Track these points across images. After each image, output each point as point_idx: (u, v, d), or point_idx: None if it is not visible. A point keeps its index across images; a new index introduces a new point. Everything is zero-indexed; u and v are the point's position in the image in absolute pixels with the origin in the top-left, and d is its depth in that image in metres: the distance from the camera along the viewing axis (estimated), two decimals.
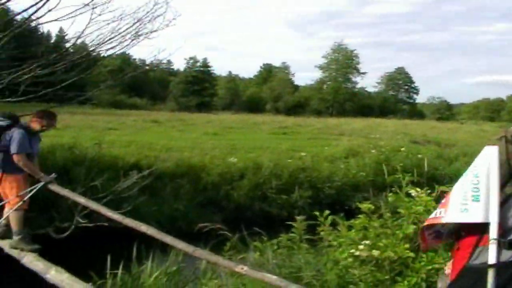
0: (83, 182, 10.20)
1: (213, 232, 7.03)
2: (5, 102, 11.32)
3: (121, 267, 6.67)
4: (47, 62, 11.09)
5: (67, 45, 16.26)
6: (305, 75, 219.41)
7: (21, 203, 6.61)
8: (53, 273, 6.19)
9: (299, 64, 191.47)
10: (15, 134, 6.56)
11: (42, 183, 6.73)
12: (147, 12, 11.27)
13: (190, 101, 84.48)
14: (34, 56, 11.88)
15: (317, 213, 6.05)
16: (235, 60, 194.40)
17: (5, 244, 6.90)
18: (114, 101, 60.03)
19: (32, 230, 9.65)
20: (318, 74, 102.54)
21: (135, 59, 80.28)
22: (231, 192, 14.08)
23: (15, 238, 6.74)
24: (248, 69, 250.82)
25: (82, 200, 6.78)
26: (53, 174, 6.98)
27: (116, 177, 11.39)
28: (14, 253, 6.74)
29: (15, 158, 6.49)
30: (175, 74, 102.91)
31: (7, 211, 6.75)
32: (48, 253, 6.65)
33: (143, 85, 78.22)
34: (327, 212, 5.93)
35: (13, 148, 6.49)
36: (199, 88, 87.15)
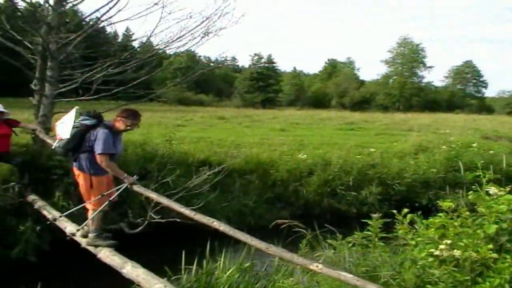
0: (155, 179, 10.35)
1: (281, 228, 6.98)
2: (77, 100, 11.65)
3: (195, 263, 6.71)
4: (118, 61, 11.35)
5: (135, 44, 16.60)
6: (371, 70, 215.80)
7: (106, 203, 6.63)
8: (129, 268, 6.29)
9: (364, 58, 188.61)
10: (100, 133, 6.47)
11: (125, 184, 6.64)
12: (216, 10, 11.39)
13: (255, 97, 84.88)
14: (105, 55, 12.20)
15: (394, 211, 5.90)
16: (300, 56, 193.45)
17: (82, 241, 7.02)
18: (180, 98, 60.99)
19: (106, 225, 9.95)
20: (383, 69, 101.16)
21: (200, 56, 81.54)
22: (300, 188, 14.00)
23: (91, 235, 6.84)
24: (312, 65, 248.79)
25: (164, 201, 6.50)
26: (135, 175, 6.85)
27: (186, 174, 11.52)
28: (91, 248, 6.89)
29: (99, 158, 6.43)
30: (240, 70, 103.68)
31: (92, 212, 6.78)
32: (122, 248, 6.76)
33: (208, 82, 79.16)
34: (405, 210, 5.77)
35: (98, 148, 6.42)
36: (264, 84, 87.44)
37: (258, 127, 28.17)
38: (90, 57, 13.23)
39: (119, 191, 6.74)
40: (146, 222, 9.27)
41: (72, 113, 6.95)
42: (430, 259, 4.98)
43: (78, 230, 7.13)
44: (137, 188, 6.73)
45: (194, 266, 6.72)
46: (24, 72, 11.52)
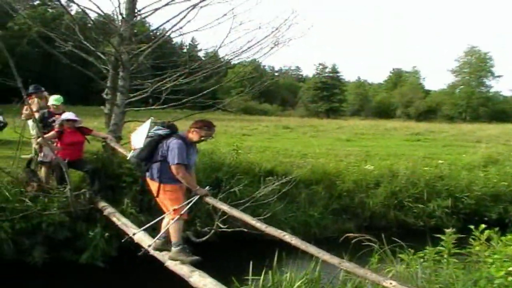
0: (223, 188, 10.37)
1: (346, 240, 6.86)
2: (146, 109, 11.86)
3: (263, 273, 6.66)
4: (189, 71, 11.50)
5: (201, 54, 16.77)
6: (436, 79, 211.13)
7: (182, 212, 6.61)
8: (196, 277, 6.31)
9: (429, 68, 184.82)
10: (173, 144, 6.50)
11: (198, 196, 6.59)
12: (285, 20, 11.39)
13: (319, 107, 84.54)
14: (173, 65, 12.39)
15: (471, 226, 5.70)
16: (364, 65, 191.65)
17: (162, 255, 6.98)
18: (245, 107, 61.33)
19: None
20: (450, 79, 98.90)
21: (264, 66, 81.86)
22: (366, 200, 13.74)
23: (174, 249, 6.70)
24: (377, 75, 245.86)
25: (236, 213, 6.43)
26: (207, 187, 6.85)
27: (252, 183, 11.53)
28: (158, 255, 6.97)
29: (174, 169, 6.43)
30: (304, 80, 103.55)
31: (166, 223, 6.80)
32: None
33: (272, 91, 79.27)
34: (482, 226, 5.55)
35: (172, 159, 6.43)
36: (328, 94, 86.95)
37: (323, 137, 28.00)
38: (159, 67, 13.49)
39: (190, 204, 6.65)
40: (213, 231, 9.29)
41: (147, 124, 6.95)
42: (510, 278, 4.76)
43: (151, 243, 7.09)
44: (209, 199, 6.71)
45: (262, 277, 6.65)
46: (96, 81, 11.83)
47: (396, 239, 6.76)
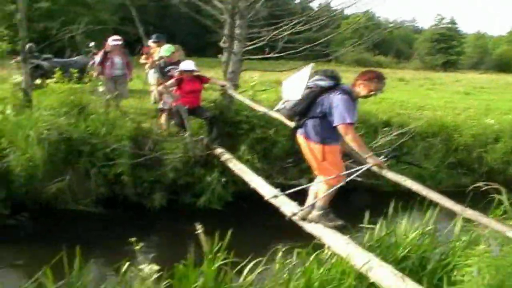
0: None
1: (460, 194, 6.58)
2: (262, 59, 11.90)
3: (379, 223, 6.57)
4: (306, 20, 11.38)
5: (313, 5, 16.55)
6: None
7: (341, 183, 5.74)
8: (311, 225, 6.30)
9: None
10: (339, 99, 5.48)
11: (369, 165, 5.55)
12: None
13: (435, 59, 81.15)
14: (289, 14, 12.29)
15: None
16: (483, 18, 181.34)
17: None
18: (358, 59, 60.07)
19: (286, 180, 10.17)
20: None
21: (379, 17, 79.49)
22: (484, 155, 13.18)
23: (316, 212, 6.04)
24: (497, 27, 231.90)
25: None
26: (382, 156, 5.69)
27: (368, 134, 11.36)
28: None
29: (343, 129, 5.41)
30: (420, 32, 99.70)
31: (321, 191, 5.99)
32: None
33: (387, 43, 77.00)
34: None
35: (340, 117, 5.41)
36: (445, 46, 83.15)
37: (440, 90, 26.92)
38: (275, 16, 13.42)
39: (359, 172, 5.64)
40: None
41: (305, 71, 5.89)
42: None
43: (299, 210, 6.38)
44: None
45: (378, 226, 6.56)
46: (210, 33, 11.94)
47: None
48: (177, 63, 10.62)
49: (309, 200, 6.31)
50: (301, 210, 6.33)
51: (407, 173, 11.60)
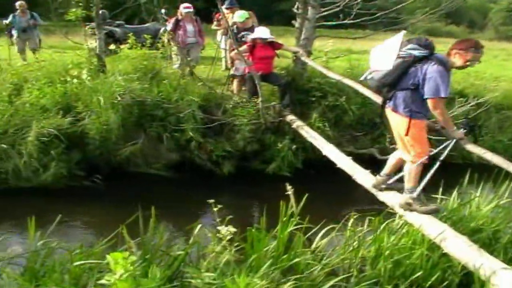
0: None
1: None
2: (332, 27, 11.68)
3: (453, 195, 6.39)
4: None
5: None
6: None
7: (424, 158, 5.46)
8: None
9: None
10: (433, 71, 5.10)
11: (453, 140, 5.40)
12: None
13: (511, 30, 78.25)
14: None
15: None
16: None
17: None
18: (429, 28, 58.44)
19: (357, 149, 10.04)
20: None
21: None
22: None
23: (406, 195, 5.64)
24: None
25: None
26: (461, 129, 5.47)
27: None
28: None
29: (432, 103, 5.12)
30: (495, 1, 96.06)
31: (407, 169, 5.64)
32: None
33: (460, 13, 74.53)
34: None
35: (432, 90, 5.07)
36: None
37: None
38: None
39: (447, 149, 5.44)
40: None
41: (396, 40, 5.44)
42: None
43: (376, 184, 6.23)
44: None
45: (451, 198, 6.38)
46: (278, 0, 11.74)
47: None
48: (251, 29, 10.58)
49: (385, 169, 6.14)
50: (377, 177, 6.22)
51: (480, 144, 11.29)
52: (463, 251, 4.80)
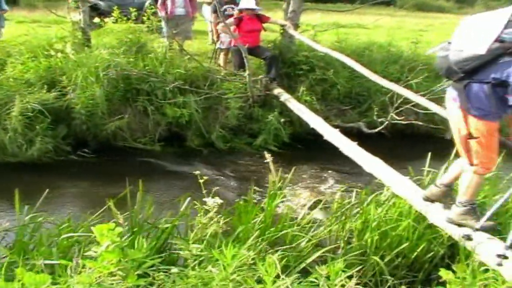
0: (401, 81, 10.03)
1: None
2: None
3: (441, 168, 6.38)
4: None
5: None
6: None
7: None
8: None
9: None
10: None
11: None
12: None
13: (501, 4, 78.20)
14: None
15: None
16: None
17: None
18: (418, 3, 58.30)
19: (344, 123, 10.04)
20: None
21: None
22: None
23: (459, 209, 4.43)
24: None
25: None
26: None
27: (428, 78, 11.02)
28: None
29: None
30: None
31: (466, 179, 4.40)
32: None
33: None
34: None
35: None
36: None
37: None
38: None
39: None
40: (386, 122, 9.15)
41: (501, 15, 3.91)
42: None
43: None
44: None
45: (442, 170, 6.37)
46: None
47: None
48: (233, 2, 10.46)
49: (445, 178, 4.86)
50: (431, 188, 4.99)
51: None
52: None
